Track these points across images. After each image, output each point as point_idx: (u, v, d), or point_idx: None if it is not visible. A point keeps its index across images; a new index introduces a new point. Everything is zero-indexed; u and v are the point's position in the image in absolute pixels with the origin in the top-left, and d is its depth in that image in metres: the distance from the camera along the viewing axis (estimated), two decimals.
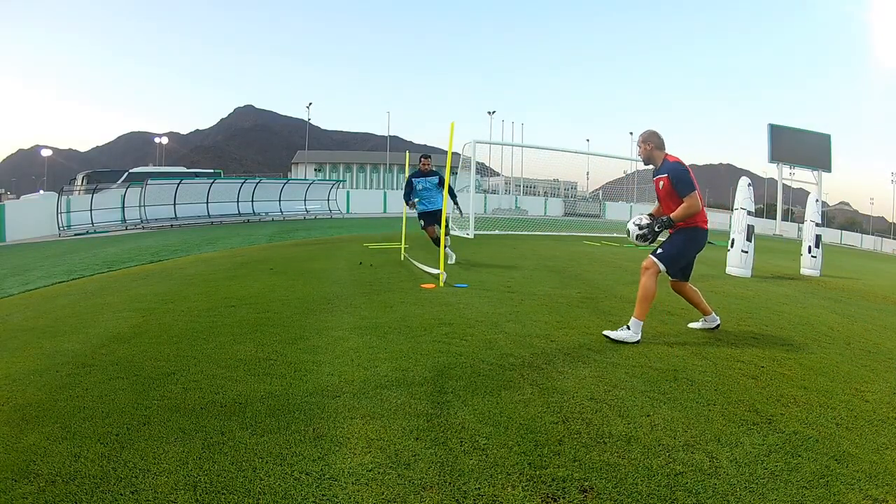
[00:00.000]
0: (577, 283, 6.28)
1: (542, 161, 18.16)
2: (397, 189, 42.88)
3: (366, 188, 53.61)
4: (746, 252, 7.65)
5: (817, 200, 8.75)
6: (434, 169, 7.70)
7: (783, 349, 3.66)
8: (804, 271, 8.60)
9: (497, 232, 15.68)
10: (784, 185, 35.06)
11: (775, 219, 36.56)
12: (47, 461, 2.08)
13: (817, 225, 8.59)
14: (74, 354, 3.59)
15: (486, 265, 7.80)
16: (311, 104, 50.70)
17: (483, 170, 48.93)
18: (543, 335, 3.88)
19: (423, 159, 7.64)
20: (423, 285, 5.90)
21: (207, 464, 2.05)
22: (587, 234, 16.62)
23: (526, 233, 16.22)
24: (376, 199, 37.11)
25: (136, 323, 4.49)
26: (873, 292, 6.91)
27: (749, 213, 7.88)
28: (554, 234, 16.65)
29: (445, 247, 6.78)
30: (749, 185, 8.03)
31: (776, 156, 33.13)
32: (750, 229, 7.77)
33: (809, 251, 8.54)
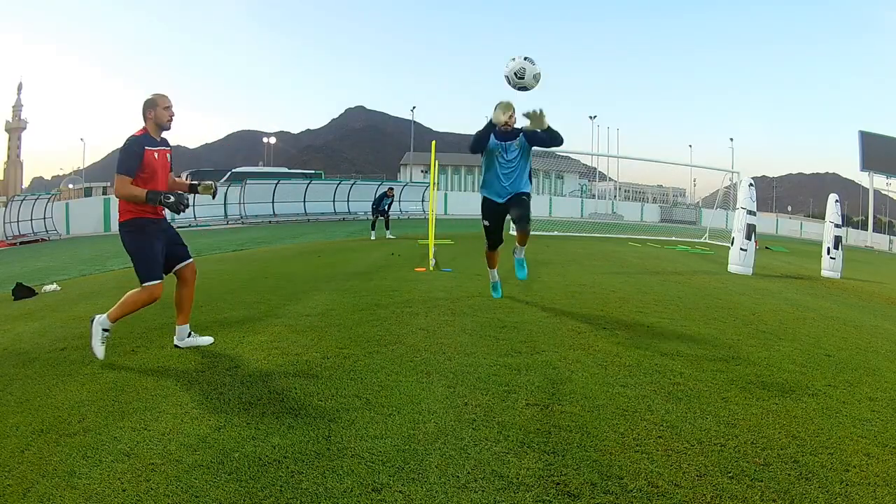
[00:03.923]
0: (579, 272, 7.28)
1: (643, 168, 19.82)
2: None
3: (468, 191, 56.20)
4: (745, 250, 8.14)
5: (837, 202, 8.91)
6: (391, 194, 14.88)
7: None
8: (824, 273, 8.95)
9: (556, 233, 17.35)
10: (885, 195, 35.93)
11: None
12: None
13: (836, 226, 8.80)
14: None
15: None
16: (414, 108, 54.80)
17: (591, 174, 49.80)
18: (539, 330, 4.82)
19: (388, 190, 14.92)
20: (416, 269, 7.39)
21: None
22: (645, 237, 16.97)
23: (584, 234, 18.10)
24: (474, 201, 39.03)
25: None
26: (873, 292, 7.31)
27: (749, 212, 8.34)
28: (609, 235, 18.33)
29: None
30: (751, 185, 8.49)
31: (868, 164, 34.21)
32: (749, 228, 8.21)
33: (828, 252, 8.80)
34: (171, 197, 3.33)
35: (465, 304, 5.05)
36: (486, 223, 5.08)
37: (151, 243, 3.41)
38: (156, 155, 3.41)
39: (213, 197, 3.78)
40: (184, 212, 3.45)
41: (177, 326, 3.67)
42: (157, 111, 3.43)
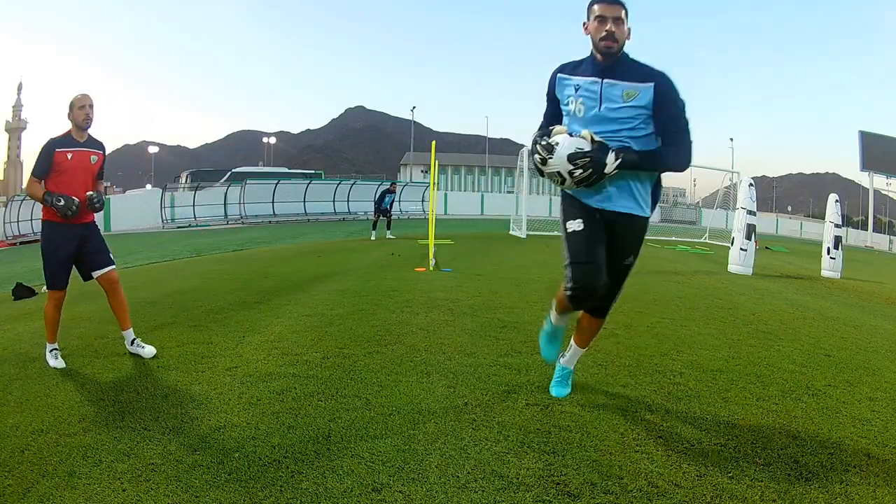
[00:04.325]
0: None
1: None
2: (494, 192, 44.99)
3: (468, 191, 56.37)
4: (745, 250, 8.21)
5: (837, 202, 8.97)
6: (394, 190, 15.50)
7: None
8: (824, 273, 9.03)
9: (556, 233, 17.12)
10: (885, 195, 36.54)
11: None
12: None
13: (836, 226, 8.88)
14: (147, 300, 5.53)
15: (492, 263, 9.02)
16: (414, 108, 55.15)
17: None
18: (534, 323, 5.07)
19: (391, 185, 15.60)
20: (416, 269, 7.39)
21: (197, 337, 3.68)
22: (645, 237, 17.00)
23: None
24: (474, 201, 39.24)
25: (195, 285, 6.45)
26: (873, 292, 7.35)
27: (749, 212, 8.41)
28: None
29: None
30: (751, 185, 8.54)
31: (868, 164, 34.40)
32: (749, 228, 8.28)
33: (828, 252, 8.89)
34: (62, 200, 3.29)
35: (465, 304, 5.05)
36: (575, 226, 2.48)
37: (56, 249, 3.42)
38: (69, 156, 3.36)
39: (95, 210, 3.55)
40: (71, 217, 3.34)
41: (122, 332, 3.61)
42: (74, 112, 3.40)
